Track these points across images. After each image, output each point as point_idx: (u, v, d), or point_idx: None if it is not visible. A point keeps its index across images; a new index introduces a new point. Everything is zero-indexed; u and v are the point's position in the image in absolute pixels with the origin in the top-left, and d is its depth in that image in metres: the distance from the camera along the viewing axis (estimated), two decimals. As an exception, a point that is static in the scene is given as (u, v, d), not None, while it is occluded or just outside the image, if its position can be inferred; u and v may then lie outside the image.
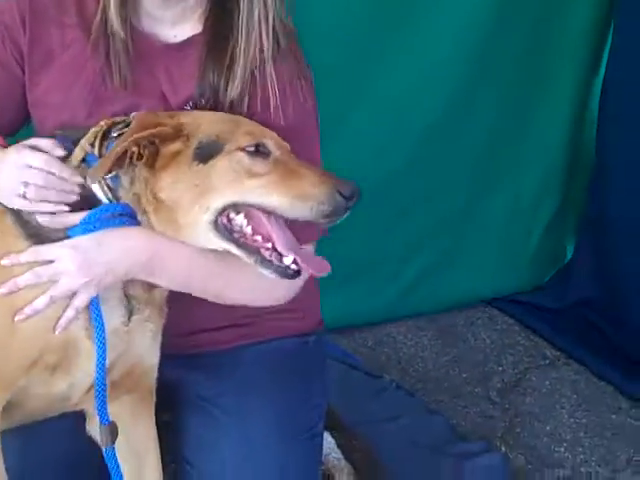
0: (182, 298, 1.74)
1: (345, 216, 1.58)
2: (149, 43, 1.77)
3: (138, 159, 1.56)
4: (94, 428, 1.75)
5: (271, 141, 1.61)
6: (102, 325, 1.59)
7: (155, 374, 1.80)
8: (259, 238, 1.58)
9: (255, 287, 1.74)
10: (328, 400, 2.07)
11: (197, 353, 1.92)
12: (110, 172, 1.57)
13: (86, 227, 1.59)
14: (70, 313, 1.58)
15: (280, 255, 1.58)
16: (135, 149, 1.55)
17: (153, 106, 1.75)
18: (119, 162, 1.55)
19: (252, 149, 1.57)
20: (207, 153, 1.57)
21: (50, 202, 1.59)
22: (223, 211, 1.57)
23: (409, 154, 3.12)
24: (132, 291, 1.66)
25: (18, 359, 1.58)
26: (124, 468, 1.70)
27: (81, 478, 1.86)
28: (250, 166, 1.56)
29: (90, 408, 1.75)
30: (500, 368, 3.13)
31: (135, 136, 1.55)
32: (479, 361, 3.18)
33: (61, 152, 1.63)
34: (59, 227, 1.59)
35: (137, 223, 1.62)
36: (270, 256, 1.58)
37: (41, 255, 1.58)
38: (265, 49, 1.72)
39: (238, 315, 1.91)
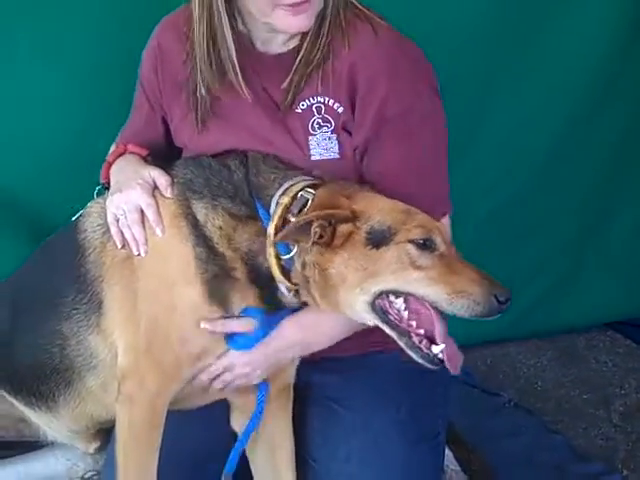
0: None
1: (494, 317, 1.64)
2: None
3: (319, 238, 1.67)
4: (236, 421, 1.93)
5: (439, 237, 1.67)
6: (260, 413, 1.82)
7: (294, 369, 1.91)
8: (414, 323, 1.67)
9: None
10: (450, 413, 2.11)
11: (326, 357, 1.97)
12: (288, 241, 1.69)
13: (247, 345, 1.77)
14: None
15: (429, 342, 1.66)
16: (317, 229, 1.65)
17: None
18: (300, 235, 1.66)
19: (421, 242, 1.64)
20: (379, 239, 1.65)
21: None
22: (381, 294, 1.66)
23: (531, 176, 3.12)
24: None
25: (186, 354, 1.76)
26: (258, 460, 1.81)
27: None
28: (417, 258, 1.64)
29: (236, 402, 1.91)
30: (622, 391, 3.08)
31: (317, 213, 1.66)
32: (601, 383, 3.13)
33: (169, 194, 1.80)
34: (222, 330, 1.75)
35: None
36: (420, 342, 1.66)
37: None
38: None
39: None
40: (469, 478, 2.35)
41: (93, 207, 1.94)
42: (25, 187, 2.63)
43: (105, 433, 2.11)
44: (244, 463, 1.94)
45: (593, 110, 3.09)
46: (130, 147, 2.00)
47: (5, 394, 2.10)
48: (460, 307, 1.61)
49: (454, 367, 1.66)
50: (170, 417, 1.80)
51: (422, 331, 1.66)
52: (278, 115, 1.84)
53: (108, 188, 1.95)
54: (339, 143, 1.83)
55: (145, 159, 1.98)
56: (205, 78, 1.84)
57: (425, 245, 1.64)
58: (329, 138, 1.83)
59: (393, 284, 1.65)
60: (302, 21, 1.76)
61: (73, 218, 1.96)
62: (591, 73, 3.01)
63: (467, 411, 2.70)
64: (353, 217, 1.67)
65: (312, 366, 1.96)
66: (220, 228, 1.76)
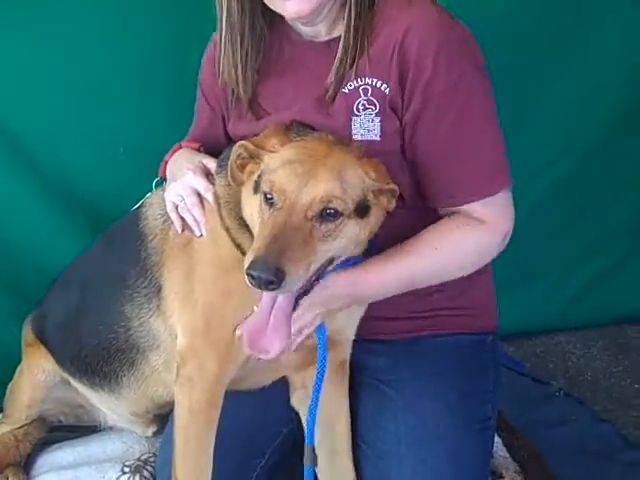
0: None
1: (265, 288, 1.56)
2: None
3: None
4: (296, 398, 2.00)
5: (279, 196, 1.63)
6: (324, 356, 1.77)
7: (350, 347, 1.95)
8: None
9: (441, 271, 1.87)
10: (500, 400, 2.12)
11: (376, 339, 2.02)
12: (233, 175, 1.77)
13: None
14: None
15: None
16: (239, 160, 1.74)
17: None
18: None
19: (268, 197, 1.65)
20: (258, 184, 1.70)
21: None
22: None
23: (584, 158, 3.10)
24: None
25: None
26: (318, 434, 1.87)
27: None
28: (264, 211, 1.66)
29: (295, 379, 1.99)
30: (675, 381, 3.06)
31: (239, 144, 1.75)
32: (652, 374, 3.11)
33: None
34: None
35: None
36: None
37: None
38: None
39: (419, 309, 2.01)
40: (518, 465, 2.35)
41: (153, 197, 2.01)
42: (85, 179, 2.73)
43: (161, 418, 2.19)
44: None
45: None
46: (184, 144, 2.07)
47: (70, 377, 2.18)
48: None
49: (247, 341, 1.64)
50: (225, 401, 1.84)
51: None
52: (325, 99, 1.87)
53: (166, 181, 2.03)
54: (381, 125, 1.85)
55: (198, 150, 2.04)
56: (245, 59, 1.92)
57: (268, 200, 1.65)
58: (372, 120, 1.85)
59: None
60: (298, 5, 1.80)
61: (133, 208, 2.04)
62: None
63: (517, 399, 2.71)
64: (256, 157, 1.72)
65: (365, 349, 2.00)
66: (221, 196, 1.83)
